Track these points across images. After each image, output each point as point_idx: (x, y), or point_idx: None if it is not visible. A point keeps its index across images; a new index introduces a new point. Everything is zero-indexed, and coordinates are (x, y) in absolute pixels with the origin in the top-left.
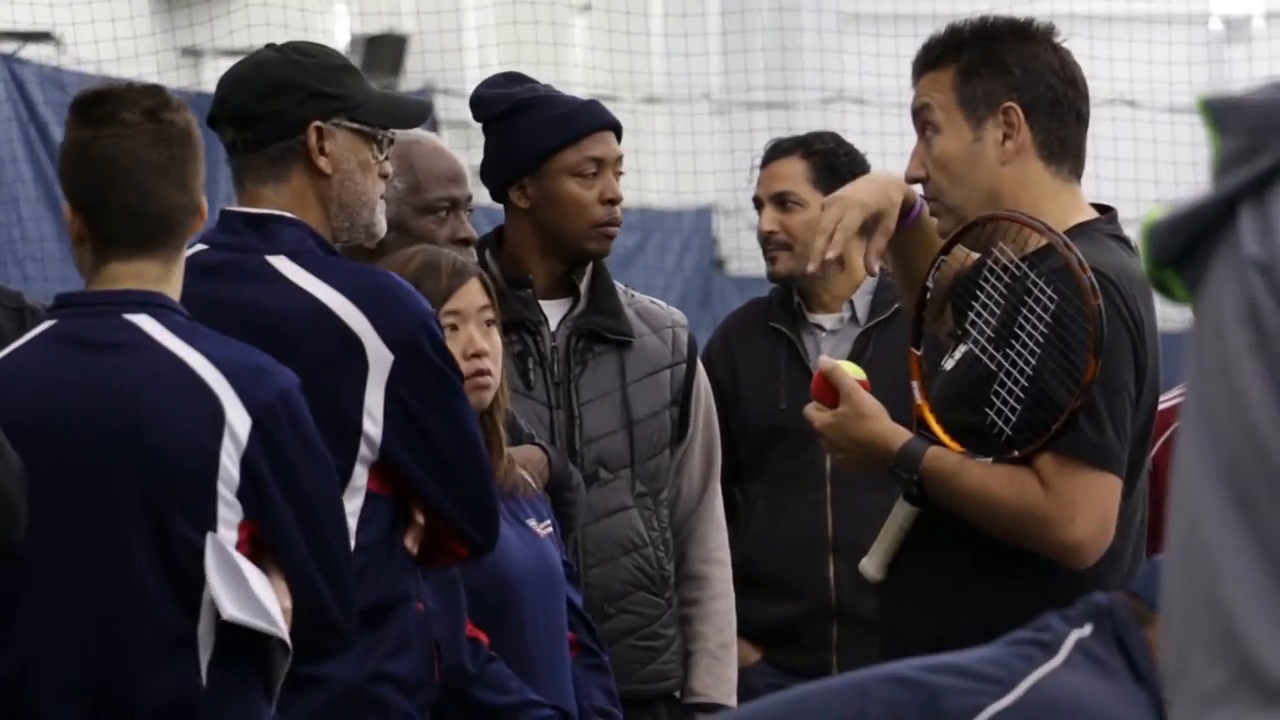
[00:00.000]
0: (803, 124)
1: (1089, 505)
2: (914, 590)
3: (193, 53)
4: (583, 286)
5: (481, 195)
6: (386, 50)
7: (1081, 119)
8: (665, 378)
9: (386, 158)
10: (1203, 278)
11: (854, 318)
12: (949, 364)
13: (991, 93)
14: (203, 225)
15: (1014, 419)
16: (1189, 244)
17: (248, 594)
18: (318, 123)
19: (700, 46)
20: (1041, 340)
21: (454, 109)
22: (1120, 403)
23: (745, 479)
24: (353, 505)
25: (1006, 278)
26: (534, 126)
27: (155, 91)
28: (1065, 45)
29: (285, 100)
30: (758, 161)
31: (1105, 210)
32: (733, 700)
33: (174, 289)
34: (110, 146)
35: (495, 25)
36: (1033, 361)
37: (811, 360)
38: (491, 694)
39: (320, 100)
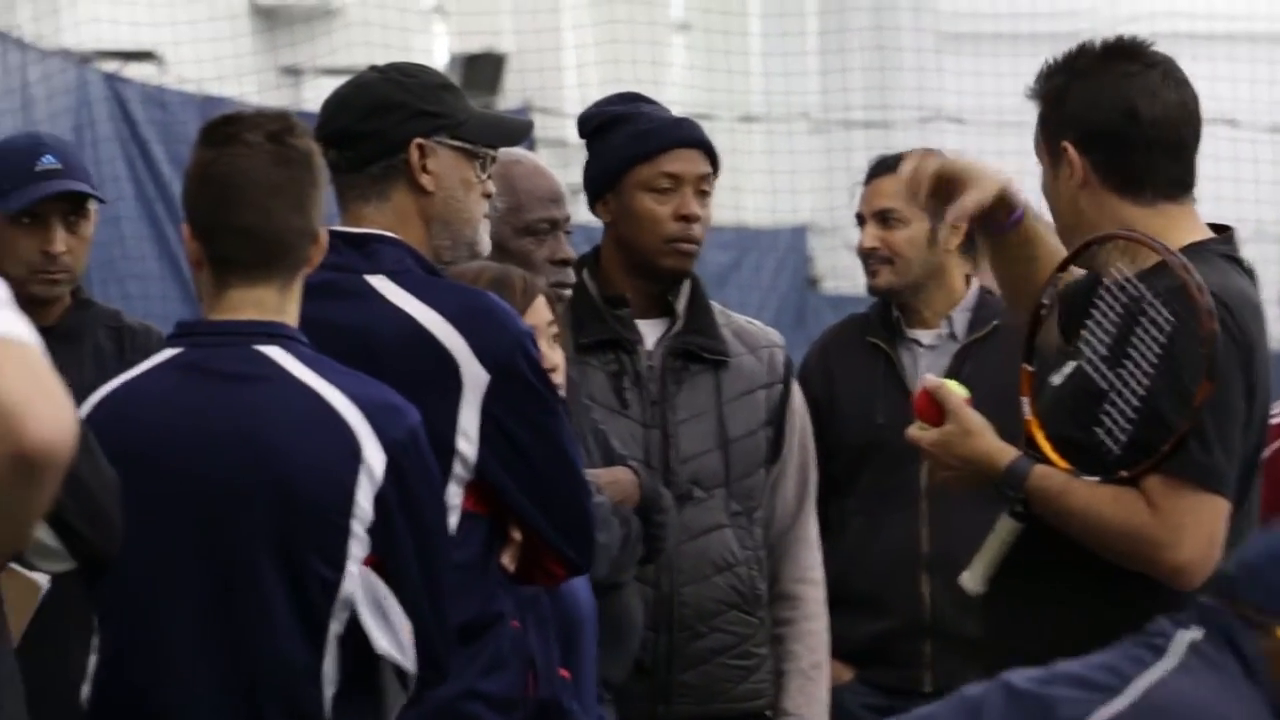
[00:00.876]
0: (900, 143)
1: (1196, 527)
2: (1015, 605)
3: (293, 72)
4: (679, 306)
5: (581, 214)
6: (485, 69)
7: (1158, 146)
8: (761, 397)
9: (489, 176)
10: None
11: (952, 334)
12: (1057, 380)
13: (1055, 130)
14: (321, 257)
15: (1123, 439)
16: None
17: (394, 629)
18: (420, 140)
19: (799, 66)
20: (1155, 361)
21: (552, 127)
22: (1229, 425)
23: (840, 495)
24: (449, 524)
25: (1123, 296)
26: (618, 141)
27: (281, 117)
28: (1144, 68)
29: (388, 119)
30: (861, 179)
31: (1221, 230)
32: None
33: (293, 318)
34: (230, 166)
35: (594, 44)
36: (1145, 382)
37: (909, 375)
38: None
39: (422, 119)
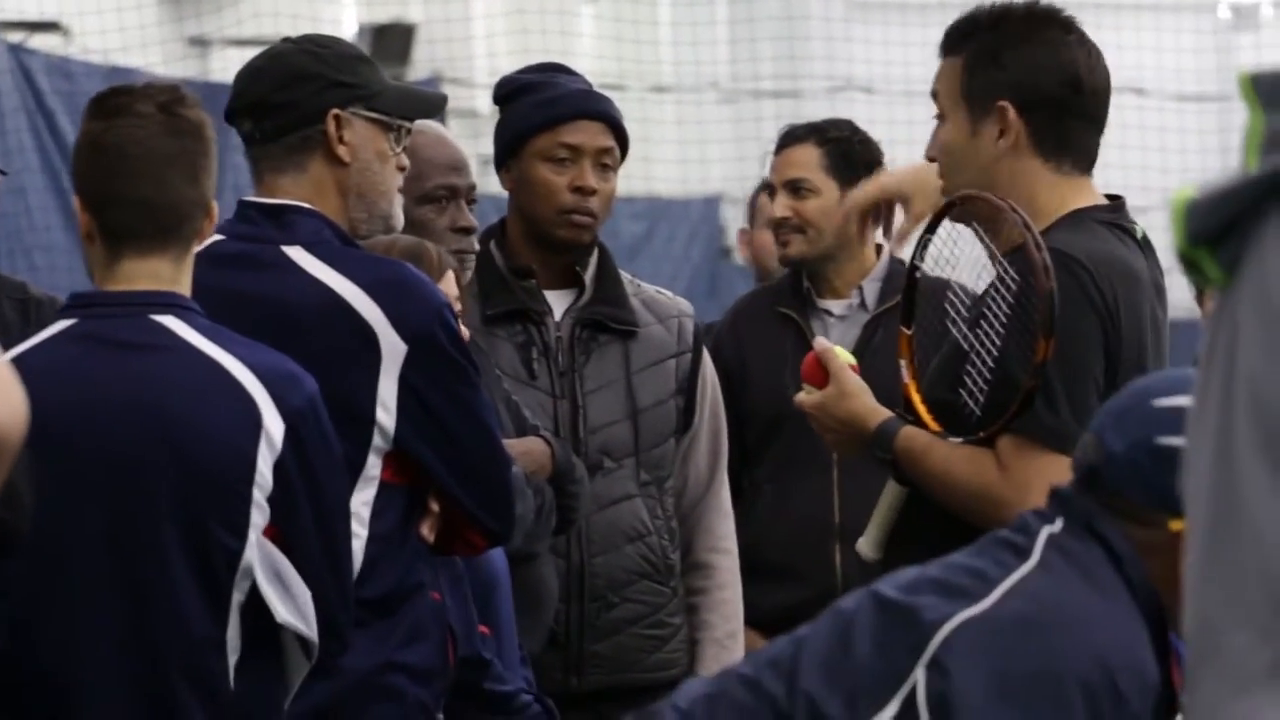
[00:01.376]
0: (810, 113)
1: (1043, 487)
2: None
3: (200, 42)
4: (587, 276)
5: (493, 185)
6: (394, 40)
7: (1088, 118)
8: (670, 367)
9: (404, 149)
10: (1244, 255)
11: (863, 304)
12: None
13: (989, 89)
14: (212, 228)
15: (982, 400)
16: (1228, 222)
17: (294, 599)
18: (337, 111)
19: (708, 35)
20: (1005, 321)
21: (462, 98)
22: (1079, 385)
23: (752, 465)
24: (366, 495)
25: (985, 259)
26: (521, 109)
27: (171, 89)
28: (1077, 39)
29: (304, 89)
30: (771, 148)
31: (1114, 198)
32: None
33: (187, 289)
34: (122, 136)
35: (503, 14)
36: (998, 342)
37: None
38: (495, 683)
39: (338, 89)
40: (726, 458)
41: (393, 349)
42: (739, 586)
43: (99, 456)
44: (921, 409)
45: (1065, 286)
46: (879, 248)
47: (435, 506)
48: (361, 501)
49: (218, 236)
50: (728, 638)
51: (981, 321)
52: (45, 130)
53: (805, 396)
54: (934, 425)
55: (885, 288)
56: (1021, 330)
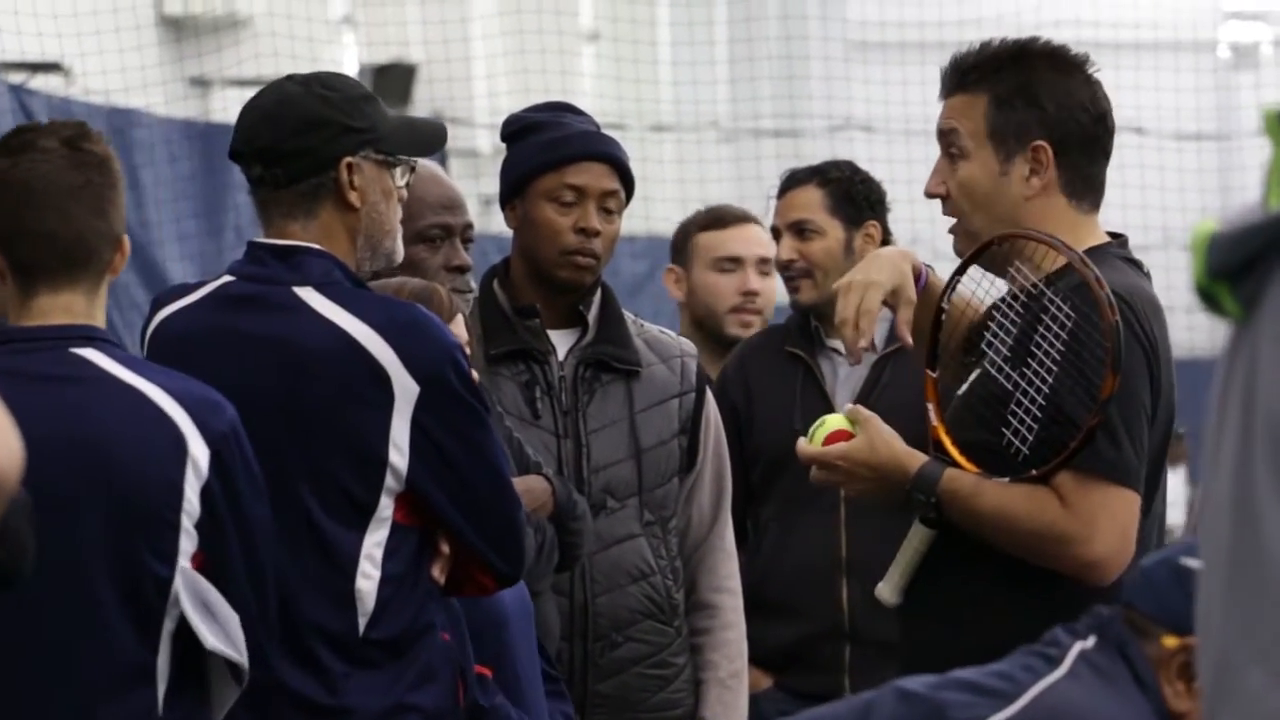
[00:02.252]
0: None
1: (1109, 521)
2: (933, 612)
3: (201, 83)
4: (591, 316)
5: (496, 225)
6: (395, 80)
7: (1107, 155)
8: (673, 407)
9: (407, 184)
10: (1264, 292)
11: (871, 343)
12: (962, 389)
13: (1023, 128)
14: (124, 263)
15: (1030, 438)
16: (1249, 258)
17: (222, 625)
18: (349, 159)
19: (708, 75)
20: (1059, 358)
21: (462, 137)
22: (1138, 420)
23: (758, 503)
24: (378, 536)
25: (1024, 297)
26: (527, 149)
27: (76, 124)
28: (1094, 78)
29: (316, 137)
30: (773, 191)
31: (1116, 236)
32: None
33: (101, 321)
34: (27, 171)
35: (503, 54)
36: (1049, 380)
37: (828, 384)
38: None
39: (350, 135)
40: (730, 497)
41: (405, 390)
42: (743, 626)
43: (28, 488)
44: (954, 451)
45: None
46: None
47: (445, 548)
48: (374, 543)
49: (227, 278)
50: (731, 678)
51: (1030, 361)
52: None
53: (811, 447)
54: (970, 466)
55: (893, 327)
56: (1077, 366)
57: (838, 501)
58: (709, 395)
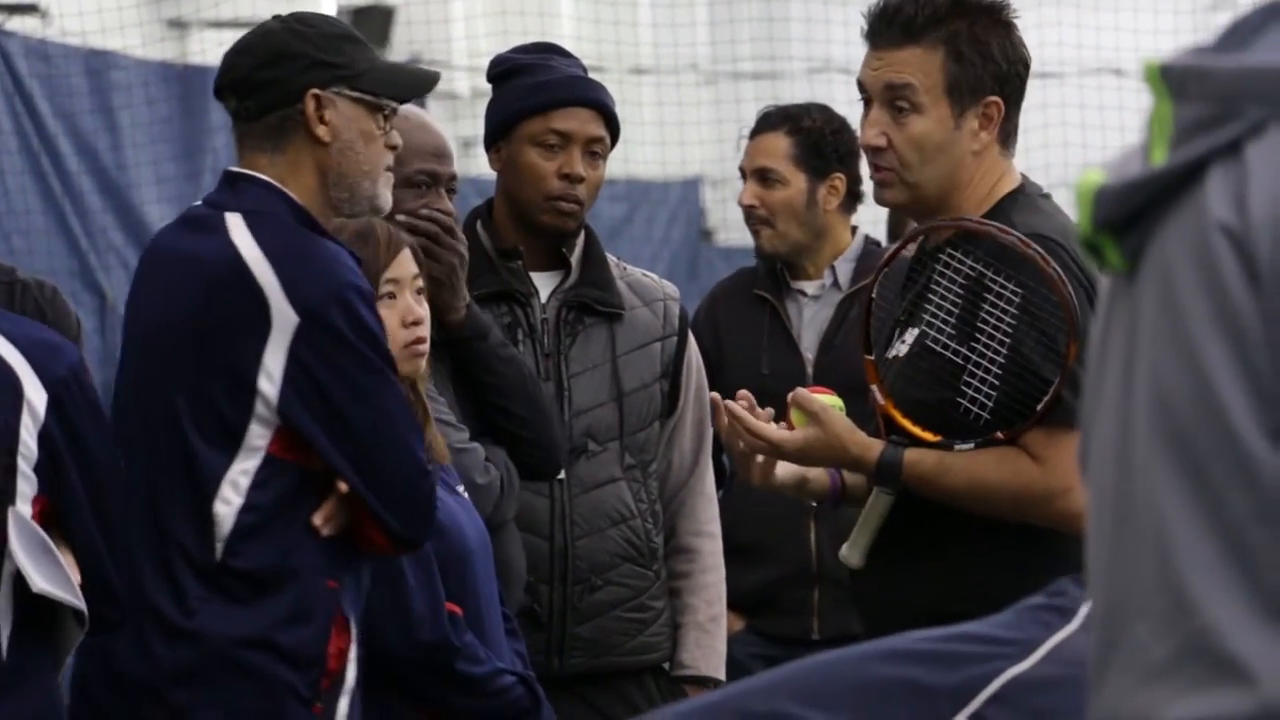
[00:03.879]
0: (789, 94)
1: None
2: (906, 565)
3: (179, 24)
4: (574, 259)
5: (476, 167)
6: (374, 21)
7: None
8: (656, 350)
9: (391, 128)
10: (1148, 246)
11: (836, 283)
12: (901, 350)
13: (979, 83)
14: None
15: (990, 404)
16: (1134, 213)
17: (54, 567)
18: (316, 91)
19: (687, 17)
20: (1010, 330)
21: (441, 80)
22: None
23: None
24: (247, 464)
25: (959, 277)
26: (513, 91)
27: None
28: (1015, 22)
29: (284, 68)
30: (746, 132)
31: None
32: (722, 673)
33: None
34: None
35: None
36: (1003, 351)
37: (794, 326)
38: (470, 665)
39: (320, 69)
40: (711, 442)
41: (284, 318)
42: (722, 571)
43: None
44: (906, 423)
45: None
46: (854, 228)
47: (334, 499)
48: (241, 470)
49: (197, 203)
50: (710, 622)
51: (979, 335)
52: (24, 113)
53: (784, 434)
54: (929, 436)
55: (859, 267)
56: (1034, 333)
57: None
58: (691, 339)
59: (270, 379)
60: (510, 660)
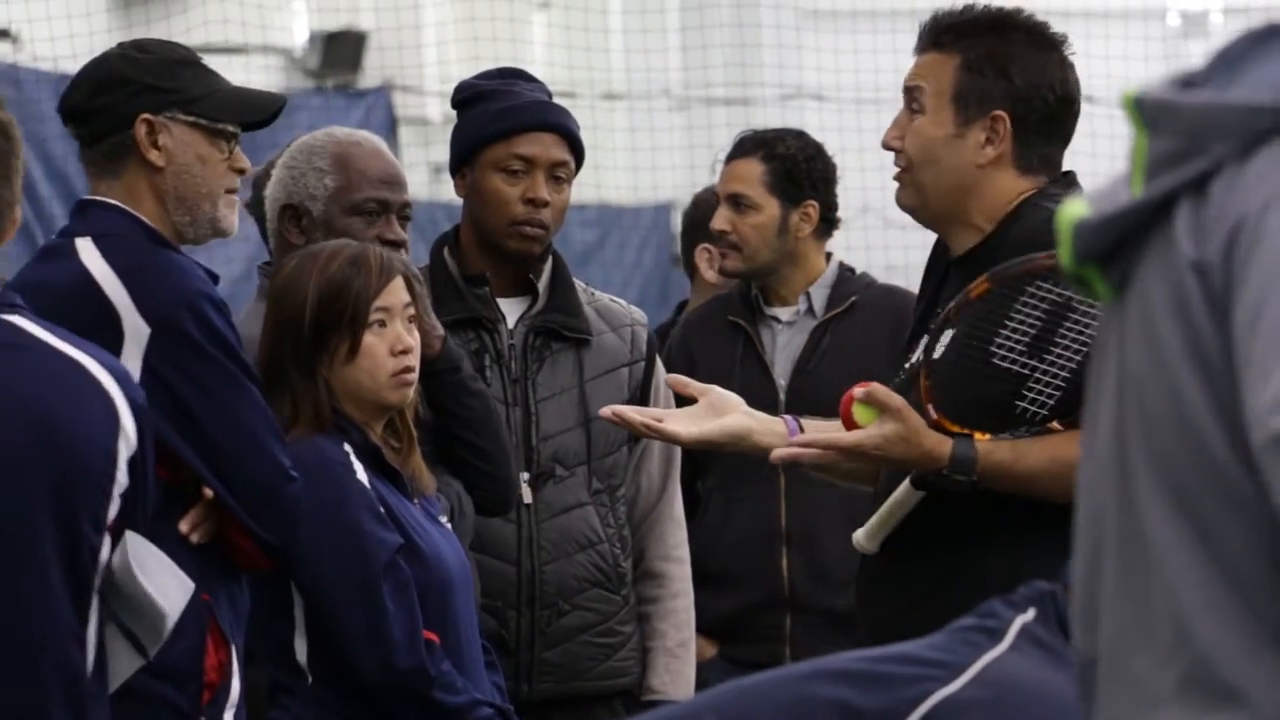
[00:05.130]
0: (761, 120)
1: None
2: (917, 566)
3: None
4: (541, 284)
5: (442, 193)
6: (345, 47)
7: (1066, 139)
8: (623, 375)
9: (231, 152)
10: (1132, 275)
11: (810, 310)
12: (938, 351)
13: (986, 96)
14: (14, 230)
15: (1051, 402)
16: (1116, 242)
17: (169, 589)
18: (147, 116)
19: (660, 43)
20: (1087, 339)
21: (412, 106)
22: None
23: (700, 473)
24: None
25: (1045, 304)
26: (477, 118)
27: None
28: (1069, 59)
29: (116, 95)
30: (722, 155)
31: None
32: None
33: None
34: None
35: (454, 22)
36: (1076, 357)
37: (767, 353)
38: (446, 694)
39: (151, 94)
40: (679, 467)
41: (135, 330)
42: (691, 596)
43: None
44: (957, 430)
45: None
46: (828, 255)
47: (200, 506)
48: None
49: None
50: (679, 646)
51: (1052, 349)
52: None
53: (860, 435)
54: (980, 435)
55: (834, 294)
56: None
57: (777, 472)
58: (659, 364)
59: None
60: (489, 692)
